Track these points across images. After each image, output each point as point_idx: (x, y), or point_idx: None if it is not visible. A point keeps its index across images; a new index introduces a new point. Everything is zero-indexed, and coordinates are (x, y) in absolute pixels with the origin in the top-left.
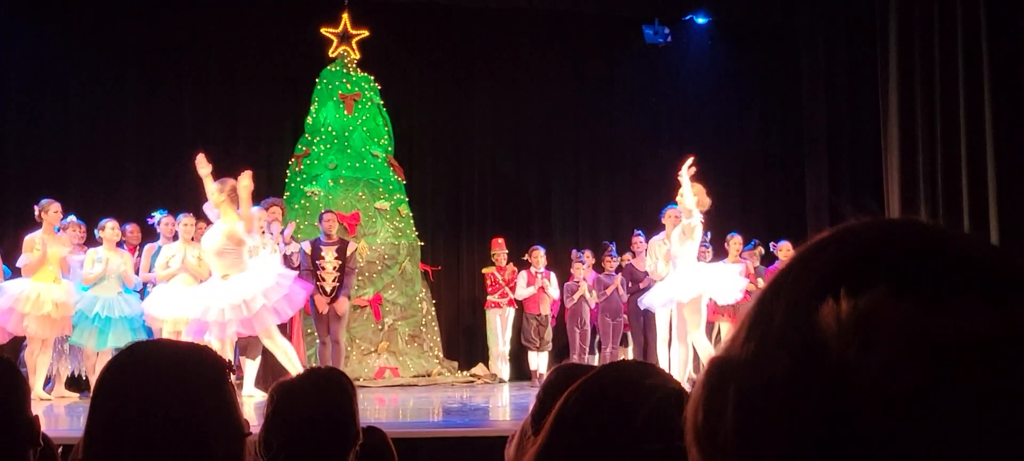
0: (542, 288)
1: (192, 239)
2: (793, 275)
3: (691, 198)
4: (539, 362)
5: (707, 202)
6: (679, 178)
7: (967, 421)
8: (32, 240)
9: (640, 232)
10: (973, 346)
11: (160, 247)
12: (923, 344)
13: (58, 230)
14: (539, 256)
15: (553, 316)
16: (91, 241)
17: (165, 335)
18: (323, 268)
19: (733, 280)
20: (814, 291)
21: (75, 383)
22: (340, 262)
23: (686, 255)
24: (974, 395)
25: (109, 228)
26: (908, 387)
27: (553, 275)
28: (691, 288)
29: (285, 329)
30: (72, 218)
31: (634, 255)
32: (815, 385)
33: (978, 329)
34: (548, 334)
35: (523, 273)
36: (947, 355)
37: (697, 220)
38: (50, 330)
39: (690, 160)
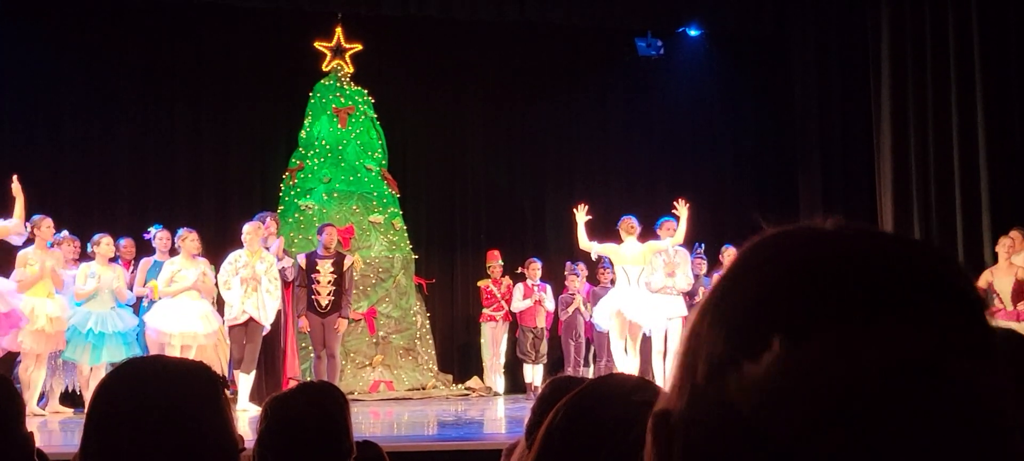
0: (539, 301)
1: (194, 254)
2: (705, 328)
3: (682, 234)
4: (534, 375)
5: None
6: (677, 213)
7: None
8: (25, 256)
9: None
10: (879, 381)
11: (156, 262)
12: (826, 395)
13: (51, 245)
14: (535, 268)
15: (548, 328)
16: (85, 256)
17: (175, 349)
18: (318, 282)
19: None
20: (723, 350)
21: (69, 398)
22: (336, 276)
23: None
24: (893, 439)
25: (103, 243)
26: (825, 451)
27: (549, 288)
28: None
29: (280, 342)
30: (65, 233)
31: None
32: (739, 452)
33: (889, 357)
34: (544, 347)
35: (519, 285)
36: (849, 402)
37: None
38: (44, 345)
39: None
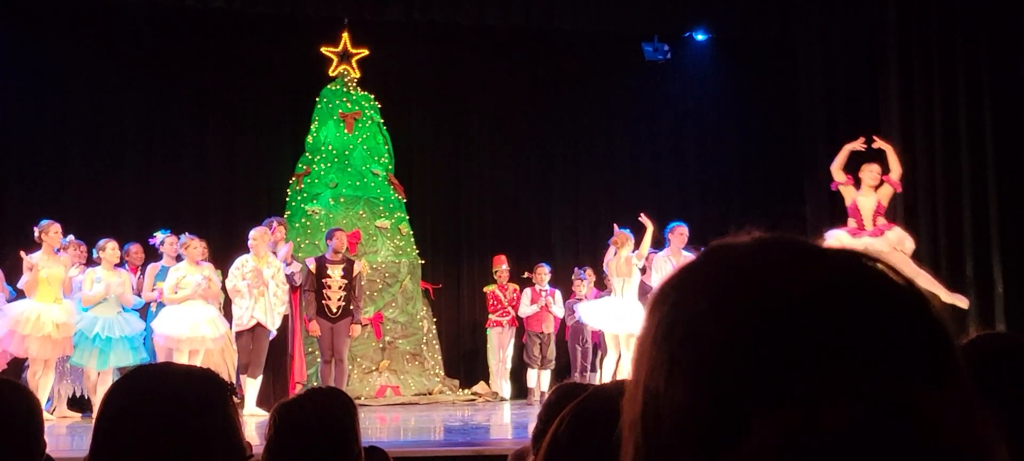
0: (546, 306)
1: (198, 260)
2: (665, 378)
3: (648, 246)
4: (540, 380)
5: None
6: (645, 223)
7: None
8: (30, 261)
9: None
10: (843, 442)
11: (163, 267)
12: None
13: (58, 251)
14: (543, 273)
15: (555, 334)
16: (91, 261)
17: (182, 354)
18: (329, 287)
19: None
20: (694, 439)
21: (76, 403)
22: (346, 281)
23: (627, 288)
24: None
25: (109, 248)
26: None
27: (557, 293)
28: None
29: (287, 347)
30: (72, 238)
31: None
32: None
33: (839, 420)
34: (551, 352)
35: (527, 291)
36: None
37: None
38: (52, 351)
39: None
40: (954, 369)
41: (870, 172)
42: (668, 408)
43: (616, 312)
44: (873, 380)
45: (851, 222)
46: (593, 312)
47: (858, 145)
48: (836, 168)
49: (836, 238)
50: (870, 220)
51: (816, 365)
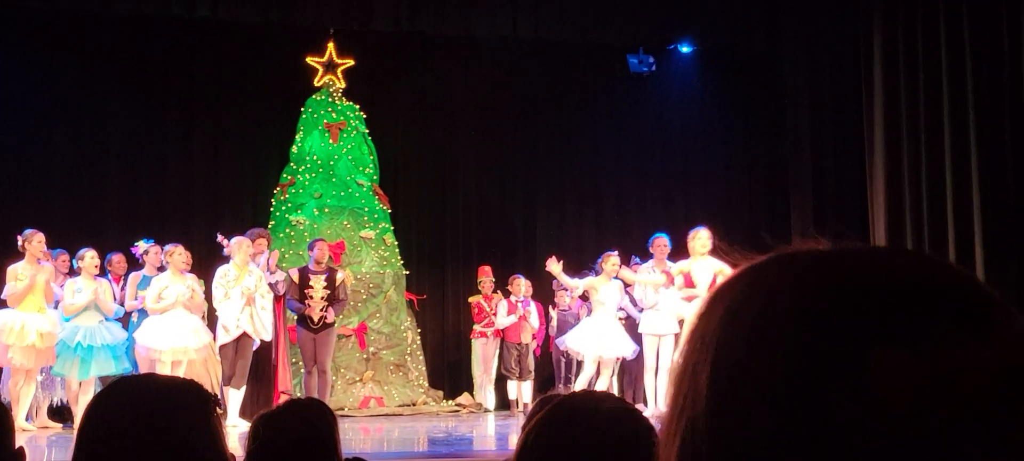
0: (523, 317)
1: (182, 270)
2: (746, 352)
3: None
4: (522, 391)
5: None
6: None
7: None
8: (15, 270)
9: (637, 259)
10: (990, 379)
11: (145, 277)
12: (947, 392)
13: (42, 261)
14: (519, 284)
15: (538, 345)
16: (74, 271)
17: (165, 364)
18: (311, 297)
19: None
20: (797, 373)
21: (56, 413)
22: (329, 291)
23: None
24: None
25: (88, 258)
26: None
27: (533, 304)
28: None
29: (271, 357)
30: (60, 251)
31: (629, 286)
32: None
33: (983, 361)
34: (530, 363)
35: (503, 301)
36: (969, 396)
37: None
38: (35, 360)
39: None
40: None
41: (700, 239)
42: (746, 379)
43: (597, 335)
44: (990, 329)
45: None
46: (575, 340)
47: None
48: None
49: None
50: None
51: (932, 316)
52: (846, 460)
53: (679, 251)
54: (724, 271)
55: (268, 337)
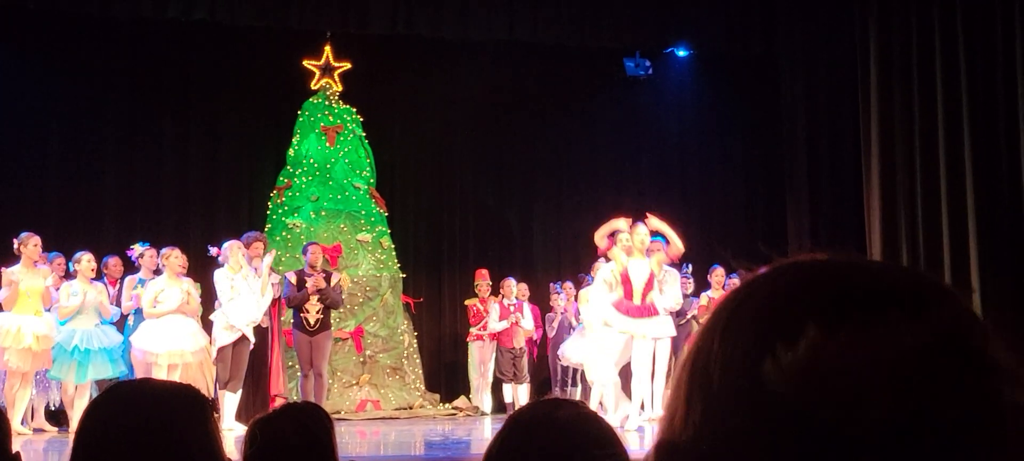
0: (516, 322)
1: (178, 273)
2: (719, 339)
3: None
4: (517, 394)
5: None
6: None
7: (938, 430)
8: (10, 274)
9: None
10: (916, 356)
11: (141, 280)
12: (868, 370)
13: (39, 264)
14: (510, 287)
15: (534, 347)
16: (69, 274)
17: (161, 368)
18: (308, 297)
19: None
20: (749, 349)
21: (52, 416)
22: (320, 293)
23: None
24: (934, 403)
25: (84, 261)
26: (874, 416)
27: (526, 307)
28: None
29: (266, 361)
30: (56, 255)
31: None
32: (776, 438)
33: (915, 340)
34: (524, 367)
35: (495, 306)
36: (891, 373)
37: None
38: (32, 364)
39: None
40: (982, 324)
41: (639, 236)
42: (719, 355)
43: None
44: (935, 318)
45: (619, 291)
46: (573, 349)
47: (622, 223)
48: (599, 235)
49: (596, 308)
50: (640, 293)
51: (878, 307)
52: (772, 429)
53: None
54: (663, 271)
55: (258, 318)
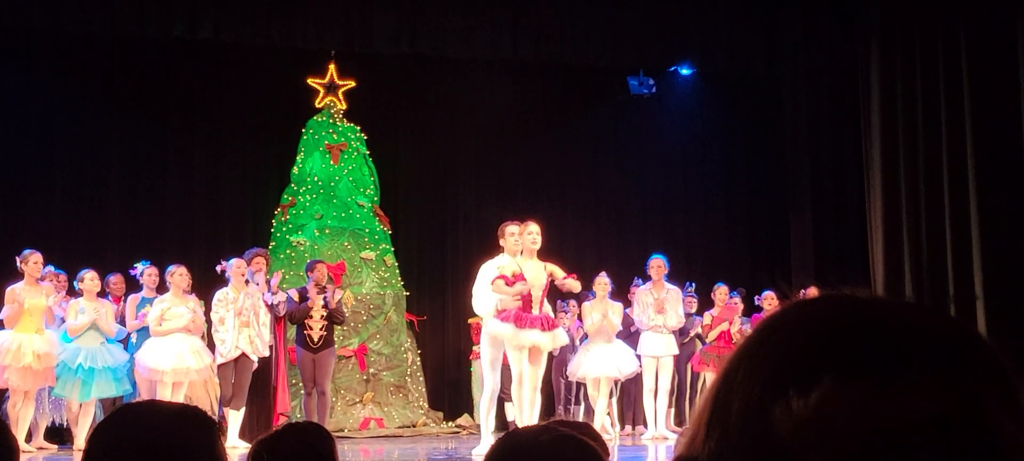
0: None
1: (184, 291)
2: (743, 371)
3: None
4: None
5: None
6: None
7: None
8: (13, 292)
9: (639, 280)
10: (924, 428)
11: (144, 298)
12: (876, 432)
13: (40, 280)
14: None
15: None
16: (73, 292)
17: (166, 385)
18: (310, 317)
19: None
20: (765, 388)
21: (55, 434)
22: (328, 311)
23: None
24: None
25: (88, 279)
26: None
27: None
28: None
29: (270, 379)
30: (50, 269)
31: (628, 304)
32: None
33: (925, 408)
34: None
35: None
36: (900, 440)
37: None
38: (32, 382)
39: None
40: (1008, 383)
41: (528, 234)
42: (741, 389)
43: (595, 356)
44: (953, 382)
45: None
46: (577, 366)
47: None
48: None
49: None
50: (538, 302)
51: (895, 364)
52: None
53: (678, 273)
54: (556, 272)
55: (265, 353)
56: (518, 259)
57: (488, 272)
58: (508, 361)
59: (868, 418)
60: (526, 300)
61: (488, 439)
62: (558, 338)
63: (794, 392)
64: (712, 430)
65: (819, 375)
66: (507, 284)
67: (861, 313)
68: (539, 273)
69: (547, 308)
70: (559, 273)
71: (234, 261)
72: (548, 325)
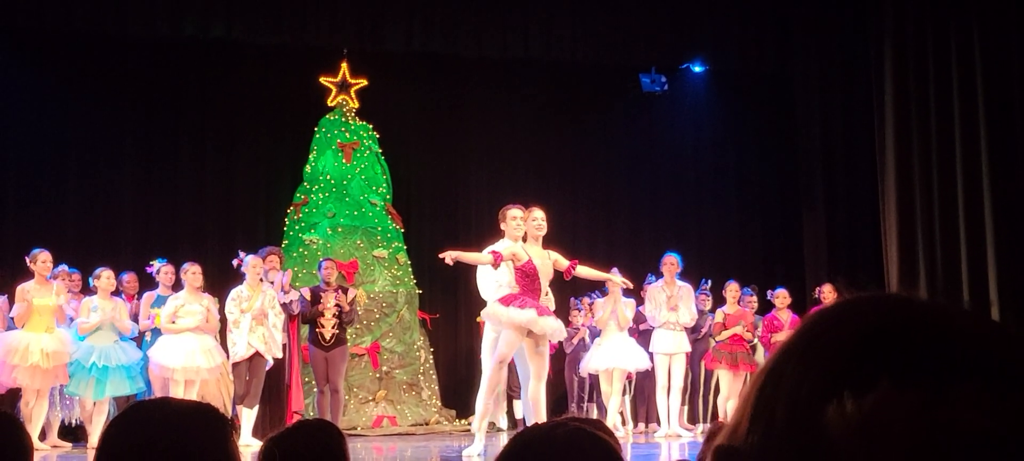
0: None
1: (198, 288)
2: (793, 367)
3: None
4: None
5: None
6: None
7: None
8: (24, 291)
9: (651, 277)
10: (979, 443)
11: (159, 296)
12: (930, 441)
13: (51, 278)
14: None
15: (551, 361)
16: (87, 290)
17: (178, 383)
18: (323, 315)
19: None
20: (816, 386)
21: (68, 432)
22: (339, 309)
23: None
24: None
25: (104, 277)
26: None
27: None
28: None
29: (284, 377)
30: (63, 267)
31: (641, 301)
32: None
33: (983, 423)
34: None
35: None
36: (954, 452)
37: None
38: (42, 380)
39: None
40: None
41: (533, 220)
42: (788, 384)
43: (608, 350)
44: (1010, 397)
45: (514, 286)
46: (589, 361)
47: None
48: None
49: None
50: (542, 291)
51: (954, 372)
52: None
53: (690, 271)
54: (561, 261)
55: (278, 354)
56: (524, 246)
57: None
58: (514, 361)
59: (923, 426)
60: (531, 288)
61: (481, 439)
62: (554, 326)
63: (850, 393)
64: (756, 424)
65: (876, 377)
66: (498, 259)
67: (917, 316)
68: (545, 262)
69: (549, 300)
70: (563, 261)
71: (251, 258)
72: (547, 313)
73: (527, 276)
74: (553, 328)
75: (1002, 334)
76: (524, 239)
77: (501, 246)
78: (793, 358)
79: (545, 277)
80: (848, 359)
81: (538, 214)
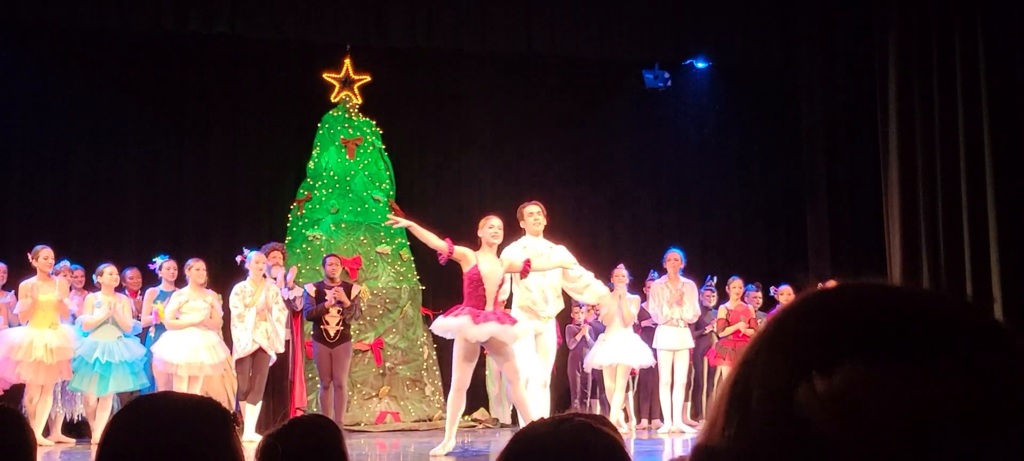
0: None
1: (202, 284)
2: (763, 356)
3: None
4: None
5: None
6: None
7: None
8: (27, 287)
9: (654, 274)
10: (952, 409)
11: (162, 292)
12: (904, 412)
13: (54, 274)
14: None
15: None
16: (90, 286)
17: (182, 379)
18: (328, 311)
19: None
20: (789, 370)
21: (72, 428)
22: (340, 305)
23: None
24: (958, 458)
25: (107, 273)
26: (896, 458)
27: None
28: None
29: (287, 373)
30: (65, 263)
31: (644, 297)
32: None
33: (954, 391)
34: None
35: None
36: (928, 420)
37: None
38: (46, 376)
39: None
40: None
41: (489, 227)
42: (760, 373)
43: (612, 346)
44: (984, 365)
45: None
46: (594, 357)
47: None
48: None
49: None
50: (492, 298)
51: (921, 346)
52: (800, 457)
53: (693, 267)
54: (515, 264)
55: (281, 349)
56: (477, 253)
57: (514, 252)
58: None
59: (898, 395)
60: (475, 294)
61: (452, 438)
62: (490, 330)
63: (818, 372)
64: (731, 419)
65: (843, 357)
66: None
67: (884, 299)
68: (495, 269)
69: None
70: (517, 264)
71: (254, 254)
72: (488, 320)
73: (472, 282)
74: (488, 332)
75: (965, 307)
76: (478, 246)
77: (511, 250)
78: (763, 349)
79: (493, 283)
80: (815, 343)
81: (495, 222)
